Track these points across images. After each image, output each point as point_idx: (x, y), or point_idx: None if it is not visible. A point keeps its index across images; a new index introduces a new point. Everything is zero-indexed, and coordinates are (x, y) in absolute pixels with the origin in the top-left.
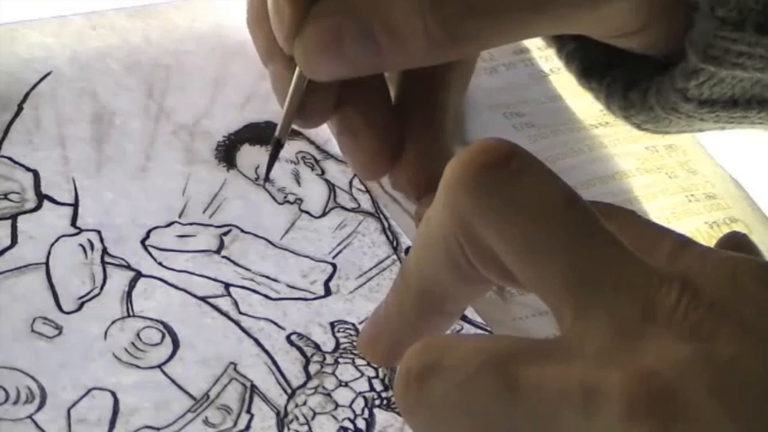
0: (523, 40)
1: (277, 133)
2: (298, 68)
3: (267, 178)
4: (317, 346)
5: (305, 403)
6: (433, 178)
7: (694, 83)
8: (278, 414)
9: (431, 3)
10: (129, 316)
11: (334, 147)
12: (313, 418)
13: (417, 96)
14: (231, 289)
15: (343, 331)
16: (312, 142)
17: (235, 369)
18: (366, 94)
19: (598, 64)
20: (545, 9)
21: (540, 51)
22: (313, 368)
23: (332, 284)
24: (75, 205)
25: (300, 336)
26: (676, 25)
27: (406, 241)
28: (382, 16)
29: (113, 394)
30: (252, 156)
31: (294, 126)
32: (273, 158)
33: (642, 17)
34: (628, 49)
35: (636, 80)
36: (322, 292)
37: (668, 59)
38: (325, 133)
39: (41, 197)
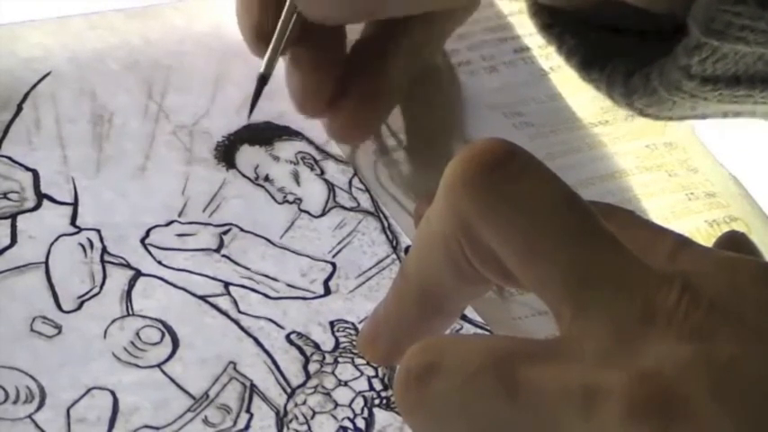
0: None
1: (263, 69)
2: (288, 3)
3: (250, 114)
4: (317, 346)
5: (304, 402)
6: (368, 126)
7: (697, 58)
8: (277, 413)
9: None
10: (128, 315)
11: (333, 147)
12: (312, 418)
13: (370, 47)
14: (231, 288)
15: (343, 330)
16: (311, 142)
17: (234, 368)
18: (322, 33)
19: (598, 57)
20: None
21: (541, 50)
22: (312, 367)
23: (331, 284)
24: (75, 204)
25: (300, 335)
26: None
27: (405, 240)
28: None
29: (113, 394)
30: (251, 155)
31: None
32: (258, 94)
33: None
34: (630, 3)
35: (637, 67)
36: (321, 292)
37: (669, 45)
38: (324, 134)
39: (41, 196)
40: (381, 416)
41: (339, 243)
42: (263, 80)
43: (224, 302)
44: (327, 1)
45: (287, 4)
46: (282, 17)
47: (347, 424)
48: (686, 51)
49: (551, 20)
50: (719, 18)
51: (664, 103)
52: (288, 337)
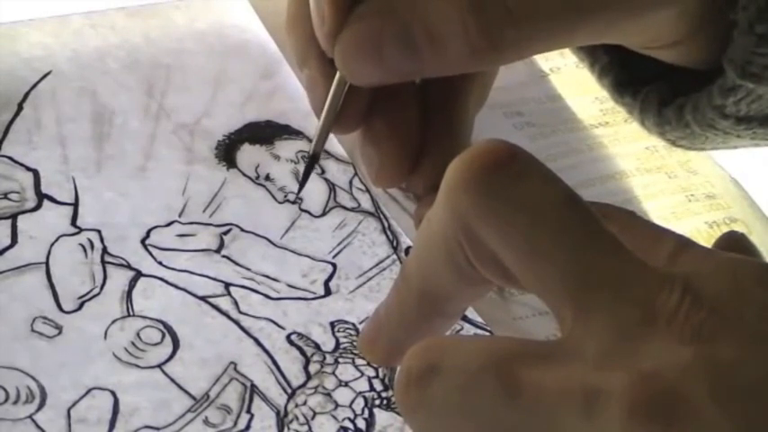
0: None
1: (314, 145)
2: (338, 75)
3: (299, 193)
4: (317, 346)
5: (305, 403)
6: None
7: (732, 99)
8: (278, 414)
9: (471, 8)
10: (129, 315)
11: (333, 146)
12: (313, 418)
13: (438, 106)
14: (231, 288)
15: (343, 331)
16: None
17: (235, 369)
18: (395, 101)
19: (632, 79)
20: (587, 17)
21: None
22: (313, 368)
23: (332, 284)
24: (76, 205)
25: (300, 335)
26: (715, 38)
27: (406, 241)
28: (422, 20)
29: (113, 394)
30: (252, 155)
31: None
32: (308, 174)
33: (684, 28)
34: (666, 61)
35: (670, 96)
36: (322, 292)
37: (704, 74)
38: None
39: (41, 196)
40: (382, 416)
41: (339, 243)
42: (313, 159)
43: (224, 303)
44: (365, 66)
45: (336, 78)
46: (332, 92)
47: (348, 424)
48: (721, 92)
49: None
50: (756, 62)
51: (696, 138)
52: (288, 337)
